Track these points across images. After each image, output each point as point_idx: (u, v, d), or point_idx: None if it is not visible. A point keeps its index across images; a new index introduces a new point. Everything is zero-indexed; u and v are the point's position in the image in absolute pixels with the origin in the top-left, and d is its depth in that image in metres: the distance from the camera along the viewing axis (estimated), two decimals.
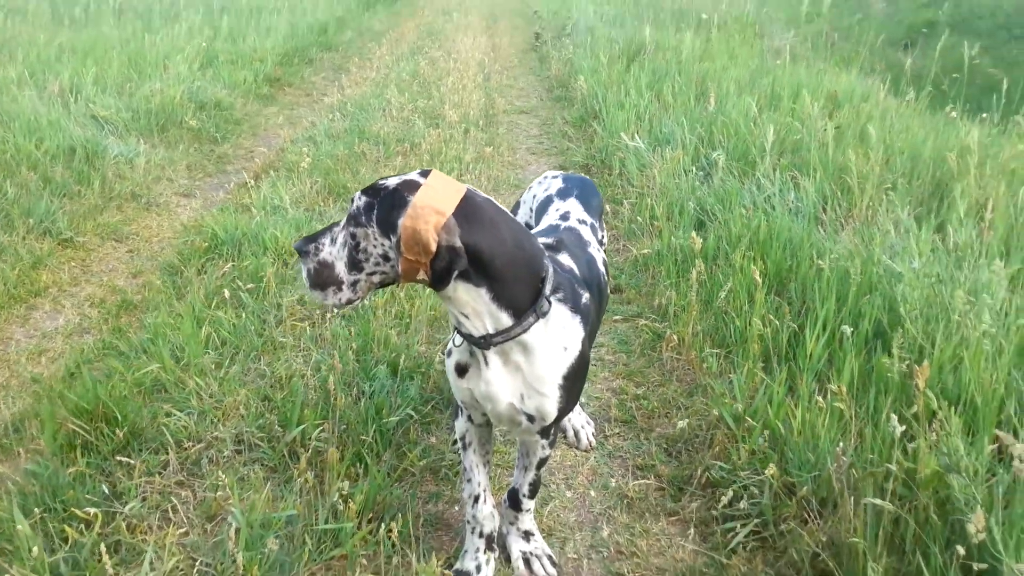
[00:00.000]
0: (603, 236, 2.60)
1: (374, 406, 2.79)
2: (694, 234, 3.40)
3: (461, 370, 2.01)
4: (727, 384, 2.98)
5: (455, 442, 2.27)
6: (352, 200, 1.81)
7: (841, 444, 2.32)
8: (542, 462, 2.27)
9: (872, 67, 7.04)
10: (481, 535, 2.30)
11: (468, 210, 1.74)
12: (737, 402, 2.77)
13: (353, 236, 1.80)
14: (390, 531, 2.24)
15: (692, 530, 2.46)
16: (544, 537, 2.45)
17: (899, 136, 5.01)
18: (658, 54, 8.09)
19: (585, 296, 2.02)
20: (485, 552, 2.31)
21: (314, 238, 1.85)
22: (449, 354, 2.06)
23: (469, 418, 2.19)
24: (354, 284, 1.83)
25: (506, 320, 1.82)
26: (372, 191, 1.78)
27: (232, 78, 8.32)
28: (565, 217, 2.43)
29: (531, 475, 2.30)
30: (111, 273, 4.40)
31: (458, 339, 1.98)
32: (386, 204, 1.75)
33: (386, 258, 1.79)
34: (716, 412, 2.80)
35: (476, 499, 2.27)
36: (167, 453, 2.64)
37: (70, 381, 3.05)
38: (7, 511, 2.24)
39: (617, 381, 3.31)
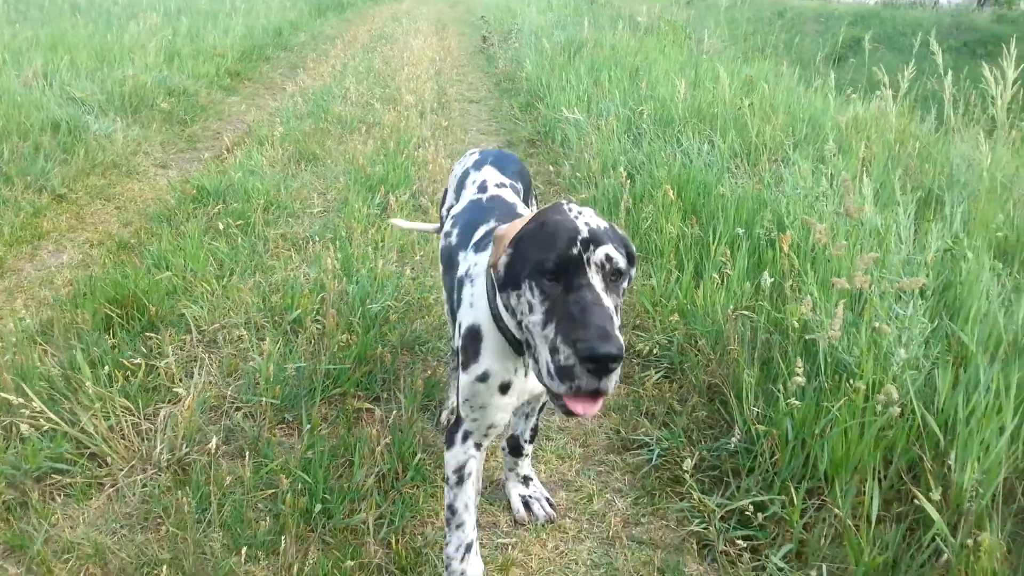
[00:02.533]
0: (532, 202, 2.59)
1: (358, 297, 3.37)
2: (622, 169, 4.06)
3: (505, 388, 1.85)
4: (648, 280, 3.64)
5: (446, 479, 1.98)
6: (607, 259, 1.56)
7: (732, 306, 2.98)
8: (543, 406, 2.32)
9: (783, 62, 7.86)
10: None
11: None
12: (655, 292, 3.43)
13: (620, 293, 1.66)
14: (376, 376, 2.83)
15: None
16: None
17: (803, 109, 5.78)
18: (597, 50, 8.83)
19: None
20: None
21: (613, 325, 1.55)
22: (484, 378, 1.84)
23: (477, 446, 1.96)
24: None
25: None
26: (620, 240, 1.66)
27: (196, 70, 8.79)
28: (483, 187, 2.35)
29: (533, 420, 2.34)
30: (104, 223, 4.87)
31: (490, 364, 1.83)
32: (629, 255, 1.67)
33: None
34: (640, 302, 3.45)
35: (468, 549, 1.99)
36: (188, 333, 3.18)
37: (91, 289, 3.56)
38: (74, 359, 2.77)
39: None
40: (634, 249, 1.69)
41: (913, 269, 2.85)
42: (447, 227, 2.30)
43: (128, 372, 2.77)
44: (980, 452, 2.08)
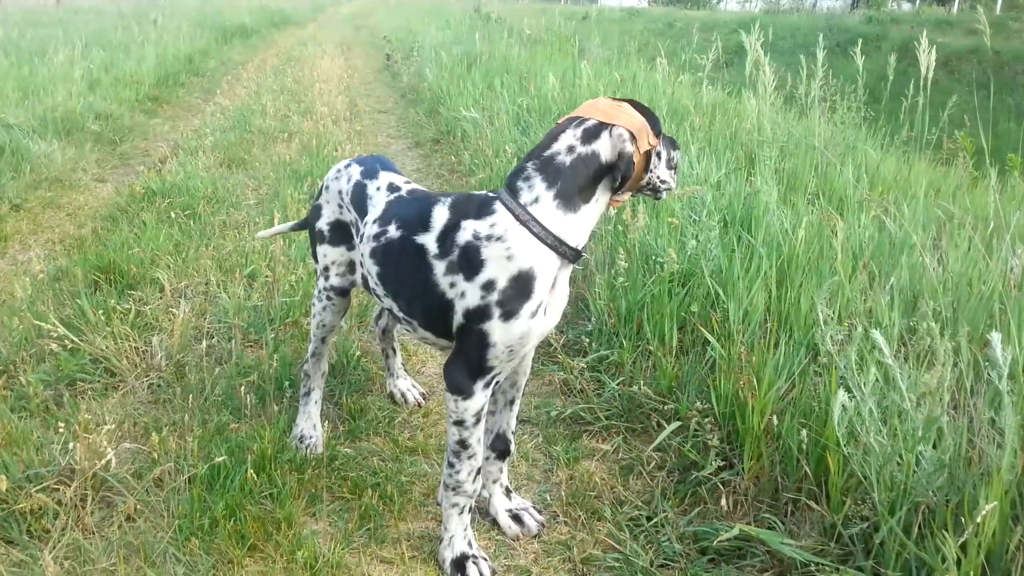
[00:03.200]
0: None
1: (299, 256, 4.18)
2: (507, 147, 5.00)
3: (546, 310, 2.10)
4: None
5: (461, 422, 2.16)
6: (666, 147, 2.20)
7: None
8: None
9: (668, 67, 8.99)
10: (468, 510, 2.30)
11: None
12: None
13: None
14: None
15: None
16: None
17: (668, 98, 6.86)
18: (491, 61, 9.82)
19: None
20: (467, 529, 2.30)
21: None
22: (536, 312, 2.05)
23: (495, 382, 2.16)
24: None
25: None
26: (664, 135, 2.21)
27: (118, 95, 9.39)
28: (393, 188, 2.44)
29: (517, 404, 2.40)
30: (60, 226, 5.53)
31: (543, 295, 2.05)
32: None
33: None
34: None
35: (478, 473, 2.25)
36: (161, 291, 3.95)
37: (80, 257, 4.26)
38: (77, 305, 3.52)
39: None
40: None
41: (716, 200, 3.86)
42: (373, 230, 2.35)
43: (120, 315, 3.53)
44: (748, 303, 3.06)
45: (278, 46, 16.66)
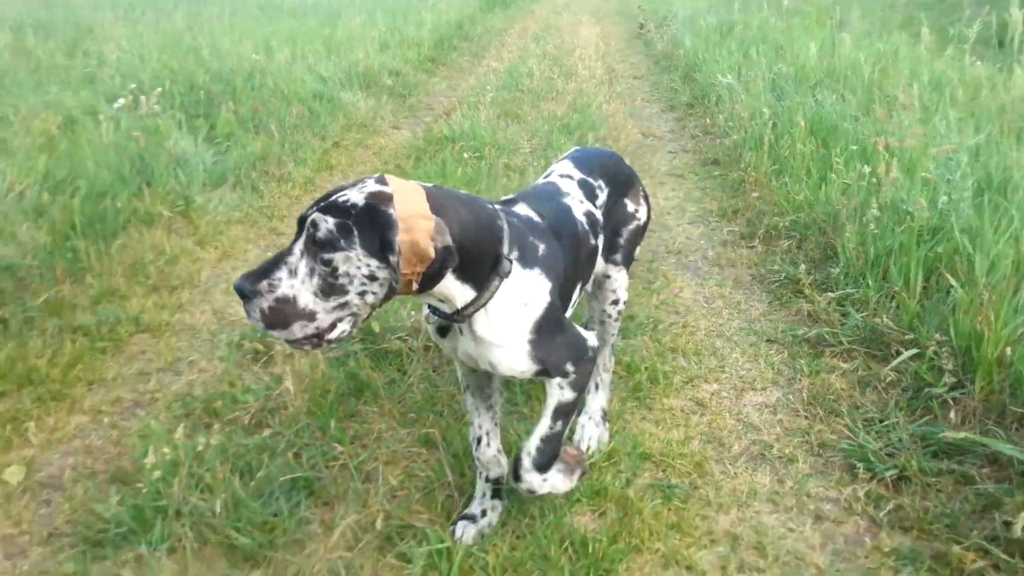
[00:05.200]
0: (634, 207, 2.64)
1: None
2: (764, 110, 5.38)
3: (443, 331, 2.05)
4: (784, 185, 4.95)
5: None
6: (311, 224, 1.68)
7: (842, 192, 4.27)
8: (560, 410, 2.04)
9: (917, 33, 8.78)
10: (487, 479, 2.32)
11: (437, 205, 1.72)
12: (789, 190, 4.75)
13: (327, 263, 1.67)
14: None
15: (757, 244, 4.46)
16: None
17: (930, 74, 6.84)
18: (745, 30, 10.02)
19: (542, 246, 1.99)
20: (492, 498, 2.33)
21: (263, 274, 1.69)
22: (427, 319, 2.06)
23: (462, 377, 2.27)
24: (340, 307, 1.72)
25: (471, 292, 1.84)
26: (339, 211, 1.67)
27: (404, 55, 10.65)
28: (549, 174, 2.51)
29: (543, 426, 2.06)
30: (370, 160, 6.63)
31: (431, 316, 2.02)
32: (366, 224, 1.65)
33: (373, 278, 1.69)
34: (778, 200, 4.78)
35: (478, 441, 2.29)
36: None
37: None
38: None
39: (714, 205, 5.31)
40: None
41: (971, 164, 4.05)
42: None
43: None
44: (994, 255, 3.32)
45: (535, 15, 17.63)
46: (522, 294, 1.92)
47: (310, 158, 6.29)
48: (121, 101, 6.05)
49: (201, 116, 6.38)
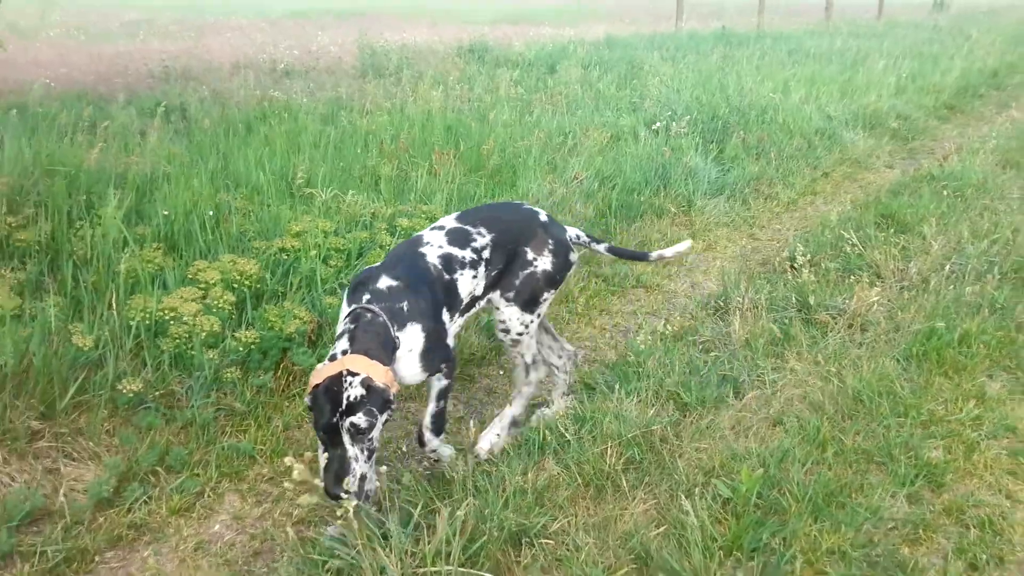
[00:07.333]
0: (533, 255, 3.08)
1: None
2: None
3: None
4: None
5: None
6: (351, 426, 2.45)
7: None
8: (441, 393, 2.91)
9: None
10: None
11: (379, 359, 2.57)
12: None
13: (372, 440, 2.51)
14: None
15: None
16: None
17: None
18: None
19: (405, 304, 2.71)
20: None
21: (342, 475, 2.43)
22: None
23: None
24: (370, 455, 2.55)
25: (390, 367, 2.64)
26: (362, 405, 2.45)
27: (918, 101, 10.87)
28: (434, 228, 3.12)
29: (432, 406, 2.93)
30: (852, 192, 7.32)
31: None
32: (377, 399, 2.48)
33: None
34: None
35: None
36: (923, 239, 5.34)
37: (865, 205, 5.97)
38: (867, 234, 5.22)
39: None
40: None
41: None
42: None
43: (891, 241, 5.06)
44: None
45: None
46: (407, 345, 2.71)
47: (798, 183, 7.27)
48: (657, 125, 7.77)
49: (715, 141, 7.79)
